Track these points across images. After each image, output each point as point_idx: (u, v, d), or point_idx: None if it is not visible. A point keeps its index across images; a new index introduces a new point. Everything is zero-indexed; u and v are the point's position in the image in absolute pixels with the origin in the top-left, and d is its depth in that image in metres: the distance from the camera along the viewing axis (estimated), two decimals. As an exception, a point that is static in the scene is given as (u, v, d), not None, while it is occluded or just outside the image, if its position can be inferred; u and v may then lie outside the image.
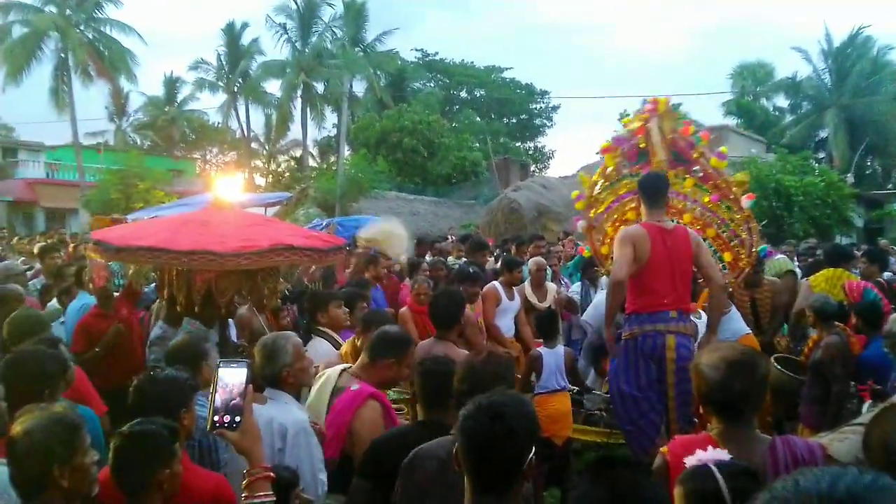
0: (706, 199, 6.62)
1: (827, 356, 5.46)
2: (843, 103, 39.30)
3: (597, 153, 7.61)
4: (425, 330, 5.81)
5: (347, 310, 5.46)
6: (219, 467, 3.41)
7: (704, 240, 6.41)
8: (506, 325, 7.07)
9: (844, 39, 41.53)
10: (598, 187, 7.05)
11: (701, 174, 6.65)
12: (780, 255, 8.70)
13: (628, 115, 9.62)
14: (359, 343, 4.56)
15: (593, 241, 7.12)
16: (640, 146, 6.87)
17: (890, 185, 37.78)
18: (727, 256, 6.60)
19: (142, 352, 5.75)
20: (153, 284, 6.57)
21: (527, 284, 7.69)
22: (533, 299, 7.50)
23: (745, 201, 6.50)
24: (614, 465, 2.08)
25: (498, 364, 3.05)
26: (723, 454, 2.18)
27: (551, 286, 7.83)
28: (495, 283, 7.25)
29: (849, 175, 28.74)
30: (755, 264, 6.94)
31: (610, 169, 6.99)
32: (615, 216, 7.00)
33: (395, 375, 3.92)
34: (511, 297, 7.21)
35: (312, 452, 3.32)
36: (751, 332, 6.79)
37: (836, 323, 5.77)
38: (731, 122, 43.50)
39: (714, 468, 2.11)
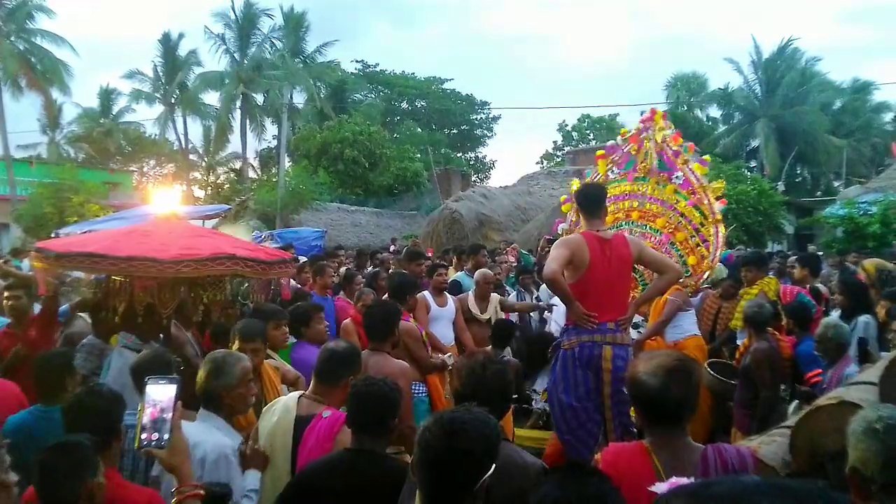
0: (682, 205, 6.89)
1: (755, 361, 5.63)
2: (772, 113, 40.49)
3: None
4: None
5: (286, 329, 5.23)
6: (148, 483, 3.34)
7: (672, 244, 6.83)
8: (440, 331, 6.98)
9: (774, 51, 42.89)
10: None
11: (682, 181, 6.92)
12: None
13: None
14: None
15: None
16: (632, 153, 7.21)
17: (818, 193, 39.07)
18: (691, 260, 6.85)
19: None
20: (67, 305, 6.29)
21: (470, 295, 7.70)
22: (475, 310, 7.51)
23: (718, 206, 6.78)
24: (580, 472, 2.13)
25: (498, 366, 2.98)
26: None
27: (494, 297, 7.87)
28: (424, 291, 7.19)
29: (779, 183, 29.63)
30: (734, 281, 7.39)
31: (600, 175, 7.23)
32: None
33: None
34: (442, 304, 7.19)
35: (234, 480, 3.17)
36: (699, 334, 7.09)
37: (768, 329, 5.98)
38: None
39: None
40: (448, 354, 6.39)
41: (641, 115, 7.61)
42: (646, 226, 7.18)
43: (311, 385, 3.80)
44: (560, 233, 7.61)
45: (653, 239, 6.95)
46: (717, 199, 6.84)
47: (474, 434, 2.02)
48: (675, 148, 7.10)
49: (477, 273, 7.96)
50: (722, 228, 6.75)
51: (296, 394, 3.82)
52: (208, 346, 5.29)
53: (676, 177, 6.92)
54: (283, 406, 3.69)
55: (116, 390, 3.30)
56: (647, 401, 2.65)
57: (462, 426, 2.03)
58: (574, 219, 7.19)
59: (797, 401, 5.08)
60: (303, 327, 5.47)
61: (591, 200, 5.20)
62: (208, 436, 3.21)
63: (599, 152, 7.53)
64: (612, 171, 7.19)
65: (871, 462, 1.97)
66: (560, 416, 4.92)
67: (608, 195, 6.90)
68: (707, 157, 7.74)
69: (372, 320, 4.90)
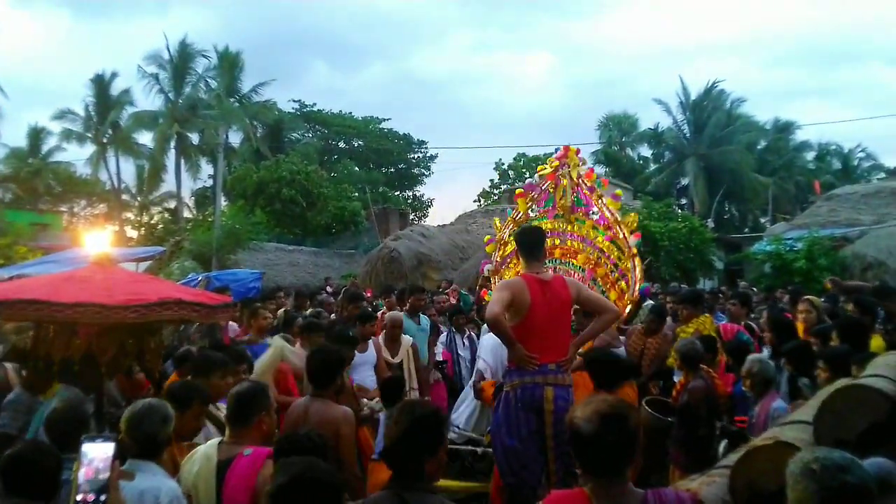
0: (600, 240, 6.97)
1: (693, 400, 5.72)
2: (701, 152, 41.73)
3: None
4: None
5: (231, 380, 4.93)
6: None
7: (594, 279, 6.91)
8: (361, 377, 6.92)
9: (700, 93, 44.36)
10: (507, 231, 7.33)
11: (597, 216, 7.03)
12: (648, 301, 9.04)
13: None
14: None
15: (495, 285, 7.27)
16: (550, 191, 7.28)
17: (746, 229, 40.17)
18: (612, 295, 6.92)
19: None
20: None
21: (381, 339, 7.61)
22: (386, 354, 7.42)
23: (633, 240, 6.87)
24: None
25: (428, 409, 2.95)
26: None
27: (406, 339, 7.77)
28: None
29: (709, 220, 30.36)
30: (656, 316, 7.46)
31: (521, 213, 7.30)
32: (517, 259, 7.10)
33: (271, 423, 3.83)
34: (363, 350, 7.07)
35: None
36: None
37: (701, 366, 6.06)
38: (600, 170, 45.33)
39: None
40: (375, 399, 6.31)
41: (556, 151, 7.64)
42: (568, 262, 7.29)
43: (226, 433, 3.81)
44: (486, 273, 7.71)
45: (575, 276, 6.96)
46: (632, 232, 6.94)
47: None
48: (590, 184, 7.19)
49: (386, 317, 7.88)
50: (638, 262, 6.84)
51: (214, 441, 3.81)
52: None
53: (593, 212, 7.07)
54: (203, 454, 3.70)
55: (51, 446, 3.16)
56: (584, 447, 2.62)
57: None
58: (499, 259, 7.23)
59: (725, 440, 5.11)
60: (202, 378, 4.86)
61: (531, 243, 5.26)
62: (157, 481, 3.26)
63: (518, 190, 7.61)
64: (533, 209, 7.28)
65: (809, 502, 1.97)
66: (503, 458, 4.91)
67: None
68: (619, 191, 7.93)
69: (314, 366, 4.80)
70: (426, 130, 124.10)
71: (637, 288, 6.89)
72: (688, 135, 44.42)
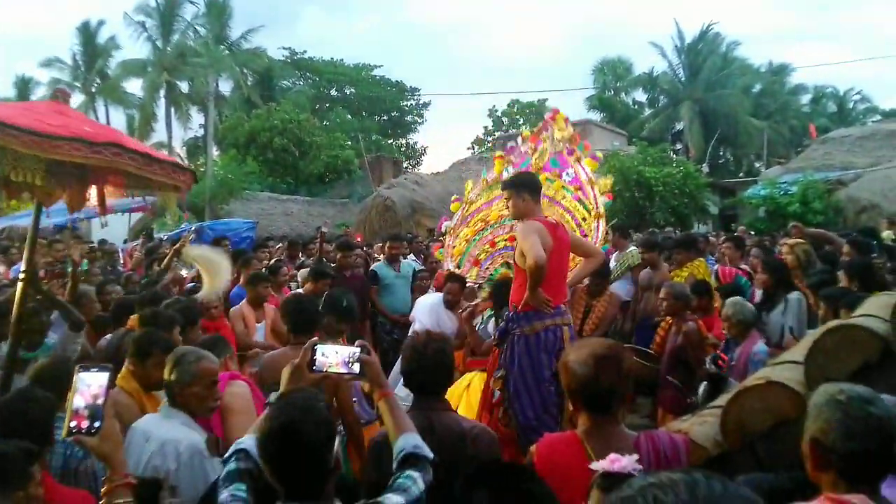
0: (568, 199, 6.84)
1: (690, 343, 5.73)
2: (696, 97, 41.43)
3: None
4: None
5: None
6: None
7: None
8: None
9: (696, 36, 43.83)
10: (475, 192, 7.17)
11: (571, 177, 6.82)
12: (631, 248, 8.83)
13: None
14: None
15: (448, 241, 7.25)
16: (529, 153, 7.09)
17: (741, 174, 40.09)
18: None
19: None
20: None
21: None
22: None
23: (603, 200, 6.67)
24: (514, 475, 2.10)
25: (438, 344, 3.20)
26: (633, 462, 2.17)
27: None
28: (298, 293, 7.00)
29: (703, 165, 30.28)
30: (599, 277, 7.26)
31: (494, 175, 7.09)
32: (479, 216, 7.13)
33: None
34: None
35: (208, 474, 3.14)
36: None
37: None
38: (595, 116, 45.08)
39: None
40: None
41: (547, 112, 7.42)
42: None
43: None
44: (444, 231, 7.55)
45: None
46: (603, 193, 6.76)
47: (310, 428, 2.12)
48: (571, 146, 6.99)
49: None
50: (603, 223, 6.66)
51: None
52: None
53: (567, 173, 6.86)
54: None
55: (46, 394, 3.14)
56: (578, 388, 2.65)
57: (299, 425, 2.11)
58: (460, 217, 7.14)
59: (705, 383, 5.16)
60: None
61: (537, 187, 5.26)
62: (179, 432, 3.22)
63: (498, 153, 7.43)
64: (508, 170, 7.03)
65: (833, 432, 2.00)
66: (527, 402, 4.86)
67: (495, 195, 6.96)
68: (599, 153, 7.69)
69: (292, 312, 4.73)
70: (419, 77, 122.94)
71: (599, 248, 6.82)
72: (683, 79, 44.06)
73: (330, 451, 2.15)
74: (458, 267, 7.15)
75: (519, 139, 7.39)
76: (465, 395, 5.51)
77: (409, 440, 2.43)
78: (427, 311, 6.85)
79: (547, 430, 4.77)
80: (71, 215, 6.37)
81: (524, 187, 5.16)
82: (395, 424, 2.50)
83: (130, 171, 4.32)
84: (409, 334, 3.96)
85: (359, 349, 2.54)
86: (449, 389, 3.82)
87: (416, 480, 2.29)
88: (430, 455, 2.40)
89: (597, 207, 6.58)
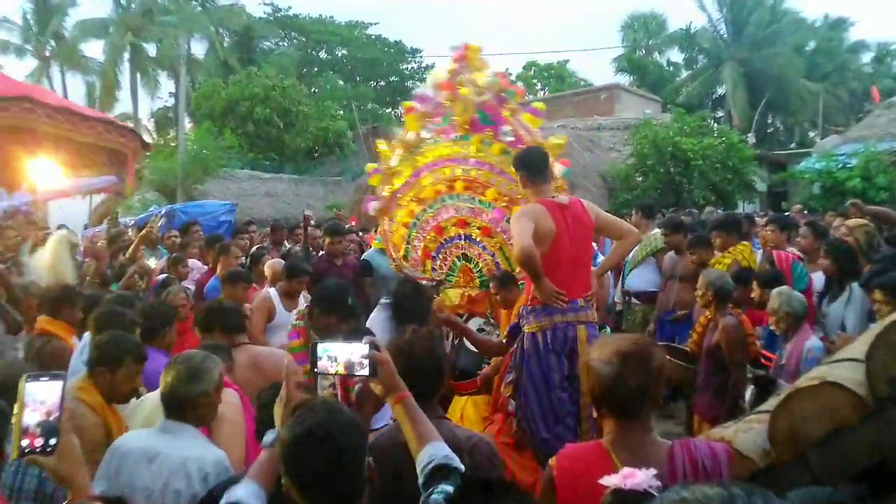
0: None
1: (726, 340, 5.58)
2: (740, 56, 41.22)
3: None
4: None
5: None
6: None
7: (507, 220, 6.14)
8: (278, 341, 6.12)
9: (740, -15, 43.47)
10: (395, 158, 6.69)
11: (512, 138, 6.38)
12: (655, 230, 8.65)
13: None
14: None
15: (385, 227, 6.95)
16: (446, 104, 6.56)
17: (793, 145, 39.94)
18: None
19: None
20: None
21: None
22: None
23: (560, 168, 6.28)
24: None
25: (426, 342, 3.14)
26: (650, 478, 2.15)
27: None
28: (270, 290, 6.87)
29: (749, 135, 30.14)
30: None
31: (411, 134, 6.65)
32: (410, 193, 6.68)
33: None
34: (291, 308, 6.62)
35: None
36: None
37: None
38: (623, 79, 44.96)
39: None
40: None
41: (452, 50, 6.64)
42: (474, 199, 6.48)
43: None
44: (371, 213, 7.05)
45: (484, 216, 6.41)
46: (558, 158, 6.21)
47: (345, 432, 2.18)
48: (500, 92, 6.35)
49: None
50: (567, 195, 5.69)
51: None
52: None
53: (504, 132, 6.40)
54: (152, 400, 3.70)
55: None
56: (603, 391, 2.62)
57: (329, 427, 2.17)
58: (386, 194, 6.71)
59: (752, 386, 5.05)
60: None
61: (535, 162, 5.11)
62: (197, 449, 3.22)
63: (406, 104, 6.83)
64: (427, 128, 6.60)
65: None
66: (538, 411, 4.80)
67: (422, 163, 6.55)
68: (540, 104, 7.02)
69: (330, 296, 4.67)
70: (420, 36, 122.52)
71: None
72: (725, 36, 43.88)
73: (364, 456, 2.20)
74: (406, 258, 6.78)
75: (429, 85, 6.72)
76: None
77: (439, 450, 2.42)
78: (379, 325, 5.78)
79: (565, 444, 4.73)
80: (11, 198, 6.31)
81: (520, 166, 5.14)
82: (416, 432, 2.49)
83: (47, 130, 4.27)
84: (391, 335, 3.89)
85: (367, 345, 2.53)
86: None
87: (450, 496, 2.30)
88: (462, 467, 2.39)
89: (553, 177, 5.75)
